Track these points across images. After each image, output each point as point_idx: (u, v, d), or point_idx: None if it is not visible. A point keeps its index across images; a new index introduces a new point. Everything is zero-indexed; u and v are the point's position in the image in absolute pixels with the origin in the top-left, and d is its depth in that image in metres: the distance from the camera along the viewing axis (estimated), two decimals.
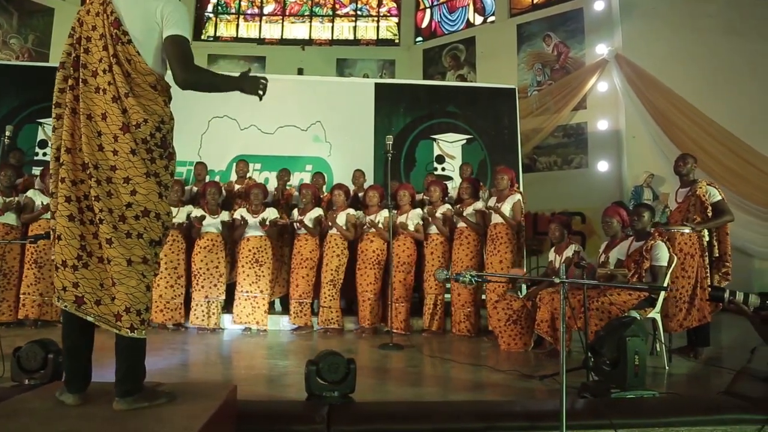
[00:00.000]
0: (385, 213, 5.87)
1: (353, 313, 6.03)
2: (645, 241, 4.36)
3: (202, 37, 12.85)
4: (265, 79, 2.35)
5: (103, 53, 2.20)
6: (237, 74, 2.35)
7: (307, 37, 12.99)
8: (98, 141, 2.18)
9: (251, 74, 2.36)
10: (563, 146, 10.25)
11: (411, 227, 5.85)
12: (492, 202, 5.68)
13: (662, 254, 4.24)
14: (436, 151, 8.03)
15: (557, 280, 2.49)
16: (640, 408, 2.82)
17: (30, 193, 5.66)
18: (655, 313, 4.26)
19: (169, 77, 2.27)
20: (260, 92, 2.33)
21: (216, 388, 2.60)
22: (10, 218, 5.55)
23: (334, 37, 13.04)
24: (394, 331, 5.49)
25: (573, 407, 2.83)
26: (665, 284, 4.20)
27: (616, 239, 4.77)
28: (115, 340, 2.15)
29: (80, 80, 2.22)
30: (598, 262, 4.81)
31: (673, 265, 4.32)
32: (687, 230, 4.53)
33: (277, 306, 6.51)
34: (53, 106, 2.26)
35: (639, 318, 4.10)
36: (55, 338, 3.10)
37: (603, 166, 9.76)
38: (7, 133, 5.19)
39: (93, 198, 2.15)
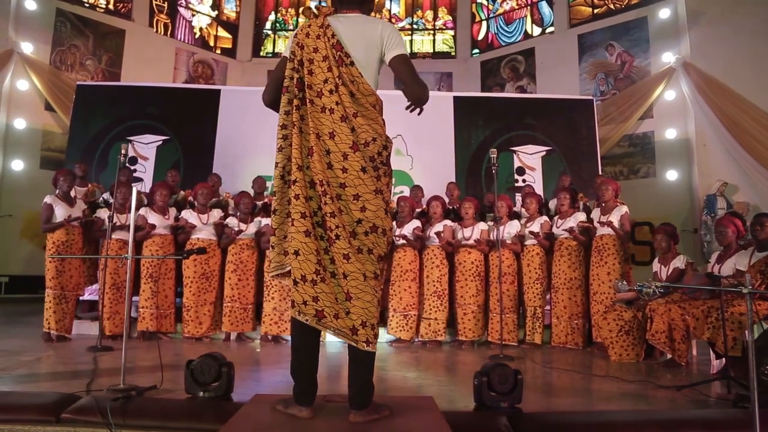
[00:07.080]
0: (481, 225, 5.92)
1: (447, 325, 6.03)
2: None
3: (261, 53, 13.11)
4: None
5: (327, 74, 2.28)
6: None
7: None
8: (327, 159, 2.25)
9: None
10: (629, 156, 10.19)
11: (508, 239, 5.89)
12: (596, 213, 5.69)
13: None
14: (516, 163, 8.07)
15: (745, 291, 2.52)
16: None
17: (142, 211, 5.79)
18: None
19: None
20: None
21: (418, 399, 2.66)
22: (124, 234, 5.71)
23: None
24: (503, 342, 5.49)
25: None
26: None
27: (730, 250, 4.76)
28: (348, 354, 2.23)
29: (306, 100, 2.29)
30: (712, 272, 4.79)
31: None
32: None
33: None
34: (279, 128, 2.33)
35: None
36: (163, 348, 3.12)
37: (672, 175, 9.68)
38: (123, 152, 5.29)
39: (327, 214, 2.20)
